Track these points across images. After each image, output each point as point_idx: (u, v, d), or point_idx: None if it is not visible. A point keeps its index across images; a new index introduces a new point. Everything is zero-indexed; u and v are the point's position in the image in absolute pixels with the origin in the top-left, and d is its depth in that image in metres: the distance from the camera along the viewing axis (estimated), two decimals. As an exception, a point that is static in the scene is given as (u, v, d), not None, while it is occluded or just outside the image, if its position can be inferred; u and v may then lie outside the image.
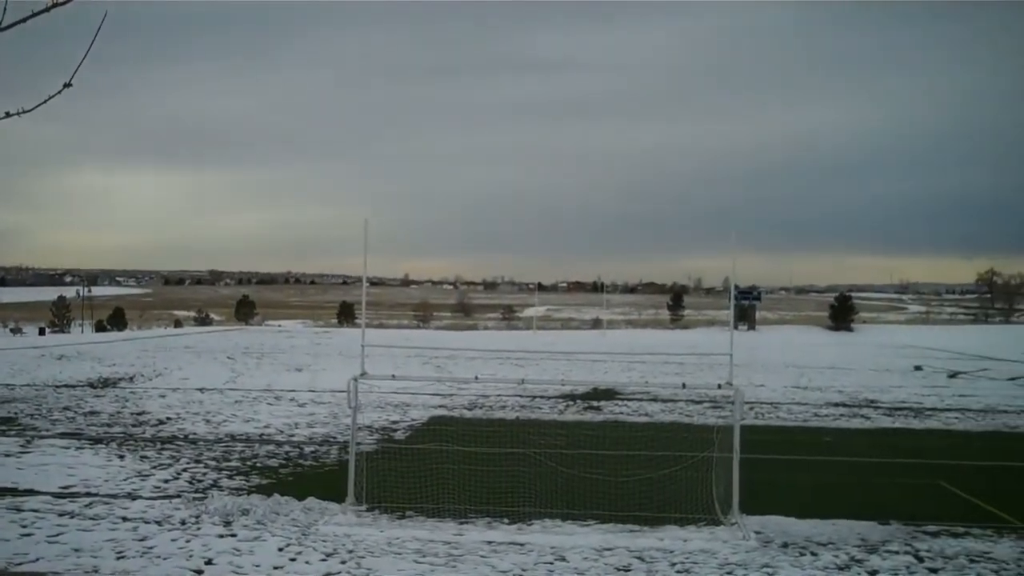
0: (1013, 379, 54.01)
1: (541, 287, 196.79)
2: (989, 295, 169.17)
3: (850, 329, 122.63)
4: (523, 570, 13.43)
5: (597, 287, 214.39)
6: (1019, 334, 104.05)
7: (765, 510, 16.88)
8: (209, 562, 13.57)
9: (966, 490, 20.12)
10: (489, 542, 14.89)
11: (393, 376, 20.21)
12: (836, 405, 37.06)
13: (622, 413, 32.26)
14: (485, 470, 19.12)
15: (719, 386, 18.76)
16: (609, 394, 37.78)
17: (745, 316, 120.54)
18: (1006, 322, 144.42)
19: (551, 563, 13.81)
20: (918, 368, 60.58)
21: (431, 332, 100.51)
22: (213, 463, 21.61)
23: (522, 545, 14.74)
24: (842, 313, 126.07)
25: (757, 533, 15.58)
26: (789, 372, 54.27)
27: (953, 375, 55.64)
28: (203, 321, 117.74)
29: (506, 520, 16.26)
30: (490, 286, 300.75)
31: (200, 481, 19.54)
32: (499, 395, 36.47)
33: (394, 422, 28.85)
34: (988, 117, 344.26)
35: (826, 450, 25.85)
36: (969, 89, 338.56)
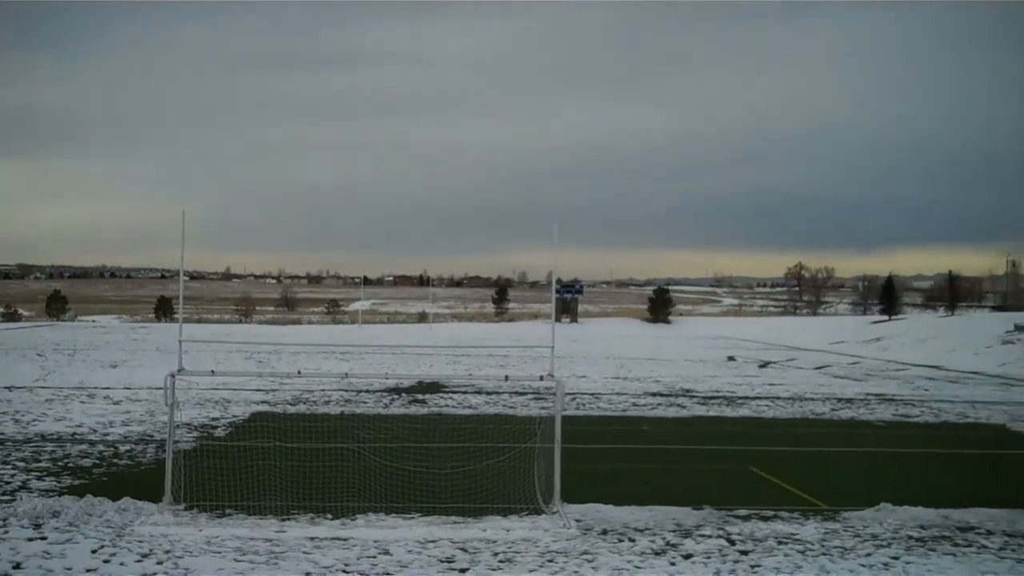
0: (819, 368, 56.65)
1: (367, 281, 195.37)
2: (797, 288, 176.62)
3: (667, 321, 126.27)
4: (346, 565, 13.36)
5: (423, 281, 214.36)
6: (825, 325, 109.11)
7: (586, 499, 17.26)
8: (17, 566, 13.01)
9: (775, 475, 21.02)
10: (312, 538, 14.76)
11: (212, 372, 19.80)
12: (654, 395, 38.15)
13: (447, 406, 32.41)
14: (308, 466, 18.93)
15: (541, 378, 19.07)
16: (434, 387, 37.88)
17: (568, 309, 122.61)
18: (813, 314, 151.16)
19: (374, 557, 13.79)
20: (731, 358, 62.95)
21: (253, 327, 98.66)
22: (22, 464, 20.70)
23: (345, 540, 14.67)
24: (660, 306, 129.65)
25: (578, 521, 15.91)
26: (610, 363, 55.54)
27: (764, 365, 57.99)
28: (11, 317, 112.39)
29: (329, 516, 16.14)
30: (315, 280, 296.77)
31: (8, 483, 18.69)
32: (323, 390, 36.11)
33: (214, 419, 28.23)
34: (796, 118, 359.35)
35: (644, 439, 26.60)
36: (778, 90, 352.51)
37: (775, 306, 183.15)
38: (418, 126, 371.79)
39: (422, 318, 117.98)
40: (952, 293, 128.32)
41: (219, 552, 13.89)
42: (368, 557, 13.77)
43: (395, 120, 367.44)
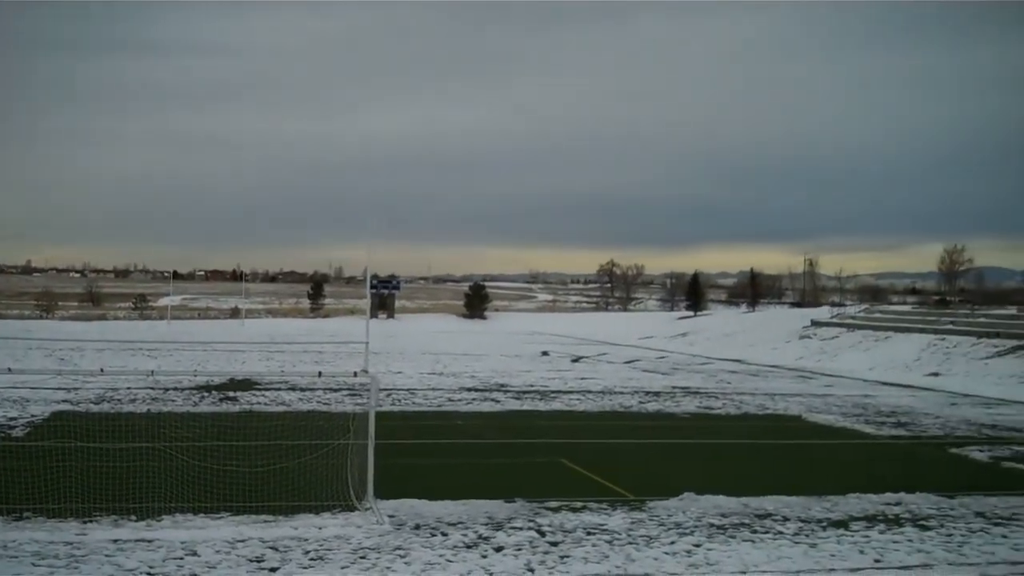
0: (629, 362, 58.13)
1: (177, 276, 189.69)
2: (609, 285, 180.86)
3: (484, 317, 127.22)
4: (151, 567, 13.00)
5: (236, 276, 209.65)
6: (635, 321, 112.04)
7: (400, 494, 17.28)
8: None
9: (585, 467, 21.50)
10: (115, 540, 14.28)
11: (9, 369, 18.93)
12: (469, 390, 38.43)
13: (259, 403, 31.84)
14: (112, 466, 18.27)
15: (355, 374, 19.00)
16: (246, 384, 37.14)
17: (384, 305, 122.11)
18: (624, 310, 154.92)
19: (181, 558, 13.45)
20: (545, 353, 63.93)
21: (55, 323, 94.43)
22: None
23: (150, 542, 14.25)
24: (476, 302, 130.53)
25: (391, 517, 15.91)
26: (425, 359, 55.62)
27: (576, 359, 59.11)
28: None
29: (134, 517, 15.65)
30: (122, 274, 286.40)
31: None
32: (129, 388, 34.90)
33: (12, 419, 26.93)
34: (611, 118, 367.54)
35: (458, 433, 26.79)
36: (593, 91, 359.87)
37: (588, 302, 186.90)
38: (231, 116, 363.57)
39: (234, 314, 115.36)
40: (754, 290, 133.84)
41: (16, 557, 13.29)
42: (175, 559, 13.43)
43: (206, 110, 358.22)
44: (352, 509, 16.40)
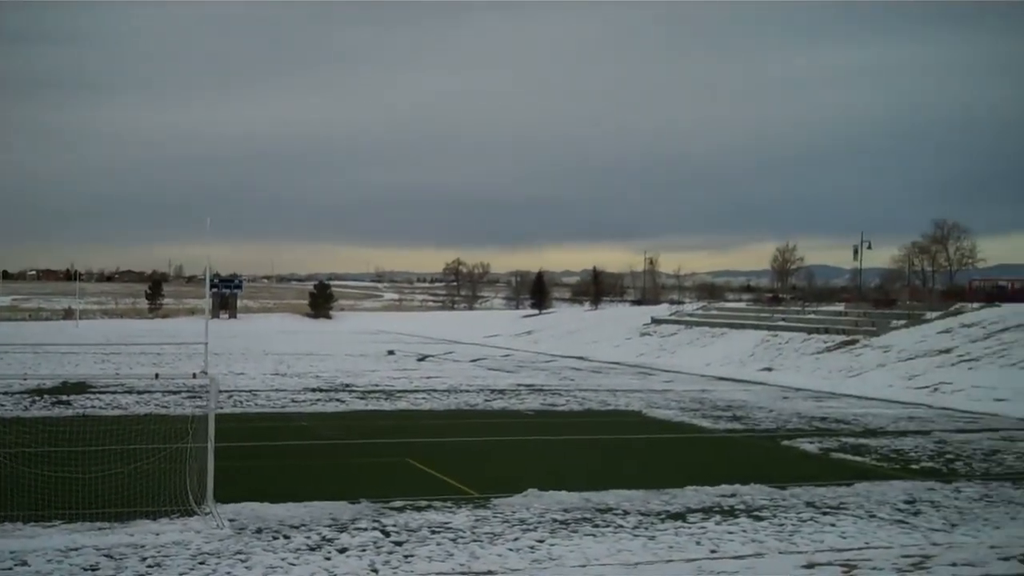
0: (474, 360, 58.40)
1: (7, 275, 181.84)
2: (455, 283, 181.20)
3: (329, 316, 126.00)
4: (-23, 580, 12.46)
5: (70, 275, 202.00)
6: (480, 319, 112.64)
7: (241, 497, 16.97)
8: None
9: (430, 466, 21.52)
10: (-63, 553, 13.62)
11: None
12: (313, 390, 38.02)
13: (94, 407, 30.79)
14: (-67, 475, 17.43)
15: (195, 375, 18.56)
16: (80, 388, 35.90)
17: (226, 304, 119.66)
18: (470, 308, 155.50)
19: (11, 568, 12.93)
20: (391, 352, 63.70)
21: None
22: None
23: (-24, 553, 13.65)
24: (321, 301, 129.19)
25: (231, 521, 15.62)
26: (269, 359, 54.77)
27: (422, 358, 59.08)
28: None
29: (-42, 528, 14.95)
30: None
31: None
32: (-48, 393, 33.32)
33: None
34: (458, 117, 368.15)
35: (302, 435, 26.47)
36: (441, 89, 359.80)
37: (434, 301, 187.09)
38: (66, 108, 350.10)
39: (68, 314, 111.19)
40: (596, 288, 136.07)
41: None
42: (3, 569, 12.90)
43: (37, 100, 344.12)
44: (191, 514, 16.03)
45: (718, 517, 16.82)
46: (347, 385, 40.53)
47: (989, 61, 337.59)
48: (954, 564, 10.03)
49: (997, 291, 77.03)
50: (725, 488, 19.22)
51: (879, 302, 73.21)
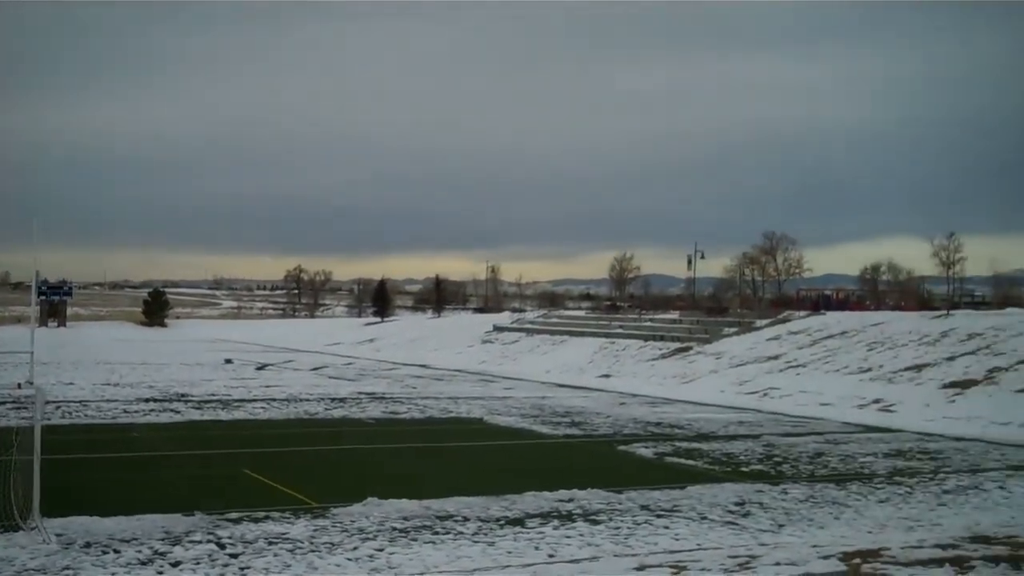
0: (315, 369, 57.78)
1: None
2: (296, 291, 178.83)
3: (164, 324, 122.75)
4: None
5: None
6: (321, 327, 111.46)
7: (70, 511, 16.38)
8: None
9: (268, 476, 21.19)
10: None
11: None
12: (147, 400, 36.97)
13: (-92, 420, 29.23)
14: None
15: (19, 385, 17.82)
16: None
17: (56, 312, 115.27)
18: (311, 316, 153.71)
19: None
20: (228, 361, 62.42)
21: None
22: None
23: None
24: (156, 308, 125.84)
25: (59, 536, 15.07)
26: (100, 369, 52.99)
27: (261, 367, 58.11)
28: None
29: None
30: None
31: None
32: None
33: None
34: (300, 121, 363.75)
35: (134, 446, 25.73)
36: (283, 93, 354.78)
37: (275, 309, 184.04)
38: None
39: None
40: (439, 296, 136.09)
41: None
42: None
43: None
44: (16, 529, 15.39)
45: (556, 522, 17.08)
46: (183, 395, 39.53)
47: (821, 81, 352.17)
48: (778, 563, 10.46)
49: (822, 300, 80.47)
50: (563, 493, 19.51)
51: (712, 310, 75.54)
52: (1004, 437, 30.23)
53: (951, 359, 43.03)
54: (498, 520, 17.17)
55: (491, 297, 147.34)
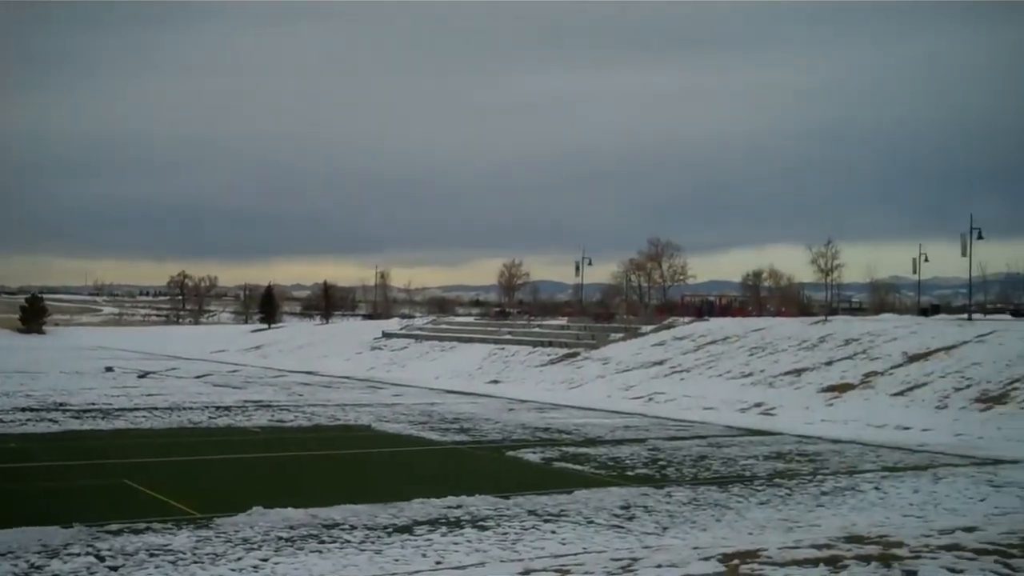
0: (200, 377, 56.83)
1: None
2: (181, 297, 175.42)
3: (42, 331, 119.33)
4: None
5: None
6: (207, 334, 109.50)
7: (-62, 527, 15.86)
8: None
9: (150, 486, 20.77)
10: None
11: None
12: (23, 410, 35.90)
13: None
14: None
15: None
16: None
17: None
18: (196, 323, 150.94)
19: None
20: (109, 369, 61.00)
21: None
22: None
23: None
24: (34, 315, 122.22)
25: (-72, 552, 14.58)
26: (-28, 378, 51.26)
27: (143, 375, 56.92)
28: None
29: None
30: None
31: None
32: None
33: None
34: (182, 126, 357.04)
35: (10, 457, 24.97)
36: (168, 97, 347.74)
37: (158, 315, 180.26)
38: None
39: None
40: (327, 302, 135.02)
41: None
42: None
43: None
44: None
45: (444, 528, 17.10)
46: (61, 404, 38.46)
47: (706, 91, 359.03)
48: (659, 565, 10.68)
49: (706, 306, 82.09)
50: (451, 500, 19.54)
51: (599, 316, 76.51)
52: (879, 439, 31.22)
53: (829, 364, 44.32)
54: (385, 528, 17.12)
55: (380, 303, 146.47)
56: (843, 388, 40.15)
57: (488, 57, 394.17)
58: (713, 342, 53.80)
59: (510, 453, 27.59)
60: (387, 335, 78.77)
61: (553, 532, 16.97)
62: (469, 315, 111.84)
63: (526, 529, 17.17)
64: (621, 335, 61.50)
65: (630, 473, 23.94)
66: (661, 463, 25.62)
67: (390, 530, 16.95)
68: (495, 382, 54.21)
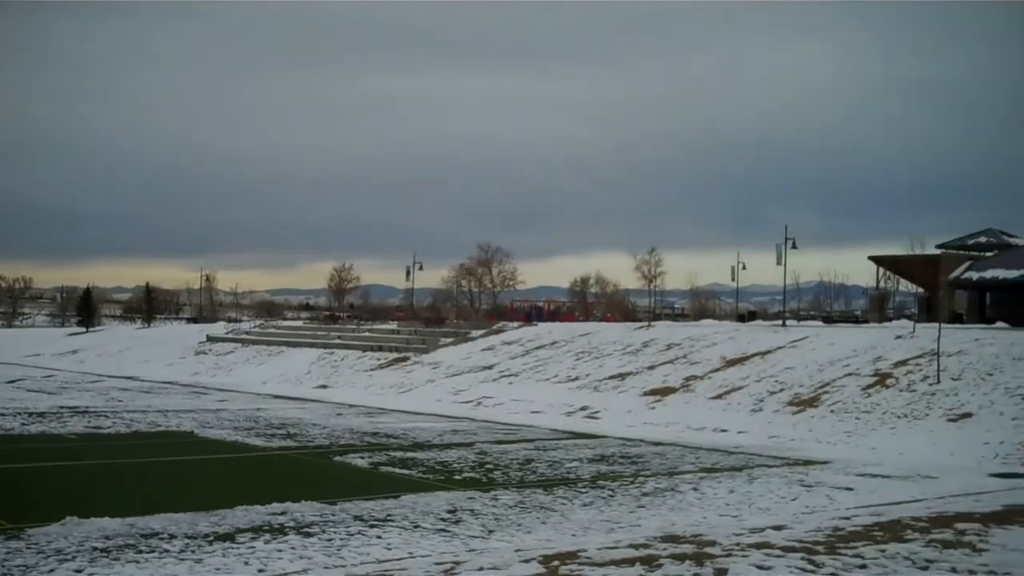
0: (12, 382, 54.54)
1: None
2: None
3: None
4: None
5: None
6: (20, 337, 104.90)
7: None
8: None
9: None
10: None
11: None
12: None
13: None
14: None
15: None
16: None
17: None
18: (8, 326, 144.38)
19: None
20: (-88, 374, 57.84)
21: None
22: None
23: None
24: None
25: None
26: None
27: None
28: None
29: None
30: None
31: None
32: None
33: None
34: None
35: None
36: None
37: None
38: None
39: None
40: (150, 305, 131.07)
41: None
42: None
43: None
44: None
45: (268, 535, 16.87)
46: None
47: (528, 99, 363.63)
48: (481, 568, 10.80)
49: (535, 311, 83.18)
50: (276, 506, 19.28)
51: (430, 320, 76.57)
52: (698, 441, 32.26)
53: (652, 368, 45.54)
54: (207, 536, 16.77)
55: (206, 307, 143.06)
56: (665, 392, 41.31)
57: (315, 56, 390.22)
58: (541, 347, 54.58)
59: (337, 458, 27.39)
60: (212, 339, 77.03)
61: (379, 537, 16.95)
62: (298, 319, 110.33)
63: (351, 535, 17.10)
64: (451, 340, 61.76)
65: (457, 477, 24.09)
66: (488, 467, 25.86)
67: (211, 538, 16.62)
68: (324, 387, 53.67)
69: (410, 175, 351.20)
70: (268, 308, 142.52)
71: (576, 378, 46.56)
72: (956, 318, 63.51)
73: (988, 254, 70.31)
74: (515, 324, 65.50)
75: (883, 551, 10.72)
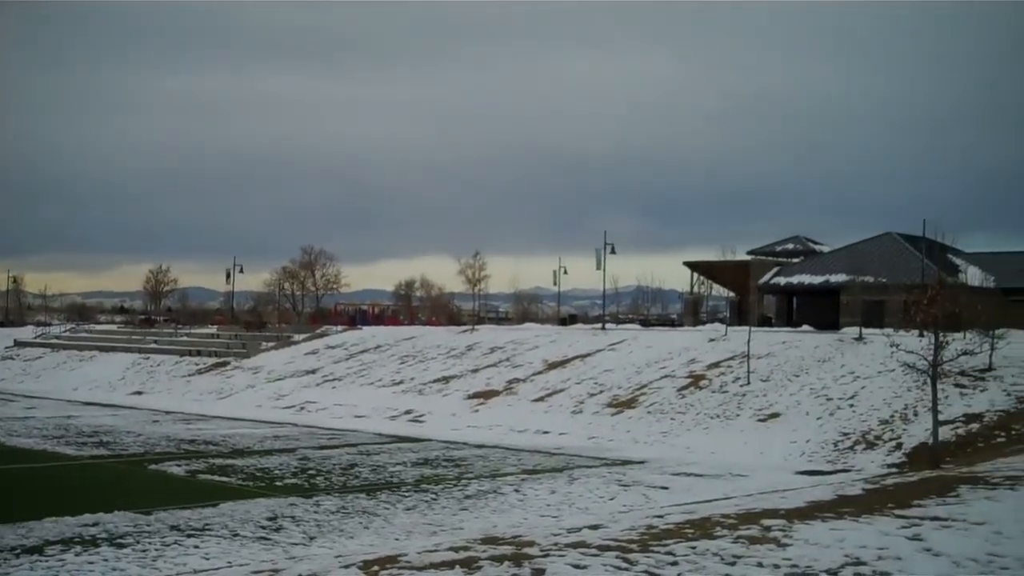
0: None
1: None
2: None
3: None
4: None
5: None
6: None
7: None
8: None
9: None
10: None
11: None
12: None
13: None
14: None
15: None
16: None
17: None
18: None
19: None
20: None
21: None
22: None
23: None
24: None
25: None
26: None
27: None
28: None
29: None
30: None
31: None
32: None
33: None
34: None
35: None
36: None
37: None
38: None
39: None
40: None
41: None
42: None
43: None
44: None
45: (79, 548, 16.33)
46: None
47: (350, 101, 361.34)
48: (300, 575, 10.76)
49: (359, 315, 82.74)
50: (87, 517, 18.67)
51: (250, 324, 75.10)
52: (520, 443, 32.74)
53: (476, 371, 45.93)
54: (13, 549, 16.12)
55: (13, 310, 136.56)
56: (488, 395, 41.72)
57: (131, 52, 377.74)
58: (365, 351, 54.32)
59: (152, 467, 26.68)
60: (20, 344, 73.73)
61: (196, 547, 16.63)
62: (112, 323, 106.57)
63: (167, 545, 16.72)
64: (273, 344, 60.82)
65: (279, 483, 23.81)
66: (310, 472, 25.63)
67: (18, 551, 16.00)
68: (139, 393, 52.11)
69: (242, 177, 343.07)
70: (80, 311, 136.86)
71: (400, 382, 46.55)
72: (765, 321, 66.24)
73: (795, 260, 73.65)
74: (339, 328, 64.97)
75: (693, 548, 11.14)
